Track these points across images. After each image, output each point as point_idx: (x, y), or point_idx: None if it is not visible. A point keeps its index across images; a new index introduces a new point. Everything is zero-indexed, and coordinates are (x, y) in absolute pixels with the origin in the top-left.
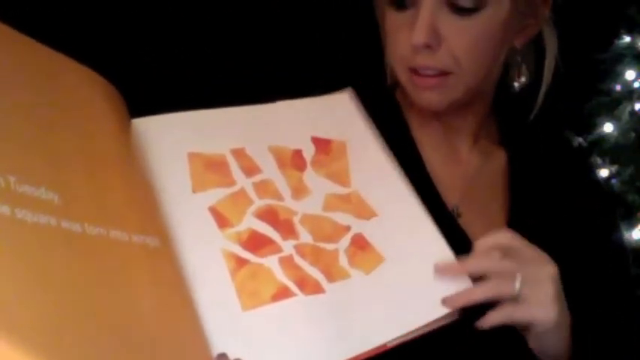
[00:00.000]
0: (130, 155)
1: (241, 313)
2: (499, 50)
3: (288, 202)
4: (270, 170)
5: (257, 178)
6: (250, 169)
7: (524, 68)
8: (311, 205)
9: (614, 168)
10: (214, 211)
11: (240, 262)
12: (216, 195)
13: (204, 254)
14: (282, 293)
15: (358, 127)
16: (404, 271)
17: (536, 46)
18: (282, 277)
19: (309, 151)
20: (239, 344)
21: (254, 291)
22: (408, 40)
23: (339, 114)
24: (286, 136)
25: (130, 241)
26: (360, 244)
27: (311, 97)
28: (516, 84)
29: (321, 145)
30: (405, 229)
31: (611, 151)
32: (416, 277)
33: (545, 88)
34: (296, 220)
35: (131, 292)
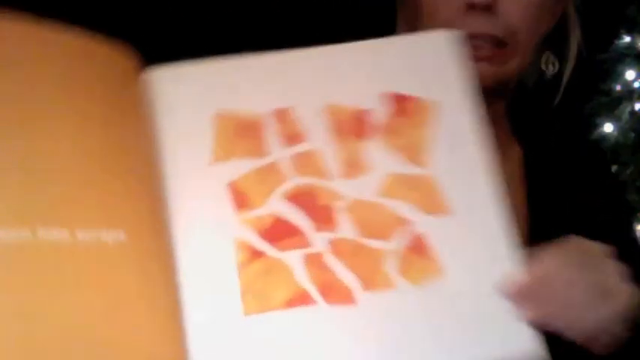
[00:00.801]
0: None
1: (241, 317)
2: (544, 30)
3: (335, 182)
4: (318, 138)
5: (299, 148)
6: (292, 136)
7: (552, 56)
8: (365, 188)
9: (614, 168)
10: (234, 188)
11: (253, 255)
12: (240, 167)
13: (210, 242)
14: (299, 299)
15: (455, 84)
16: (467, 292)
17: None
18: (303, 279)
19: (378, 112)
20: (231, 356)
21: (263, 292)
22: (456, 2)
23: (429, 62)
24: (350, 90)
25: (70, 239)
26: (418, 246)
27: (390, 37)
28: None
29: (398, 103)
30: (479, 239)
31: (611, 151)
32: (482, 302)
33: (567, 78)
34: (340, 206)
35: (70, 297)
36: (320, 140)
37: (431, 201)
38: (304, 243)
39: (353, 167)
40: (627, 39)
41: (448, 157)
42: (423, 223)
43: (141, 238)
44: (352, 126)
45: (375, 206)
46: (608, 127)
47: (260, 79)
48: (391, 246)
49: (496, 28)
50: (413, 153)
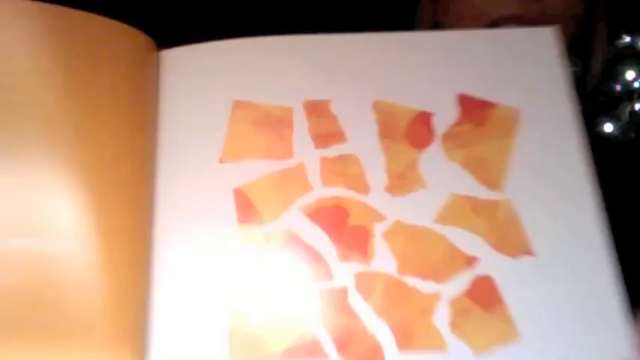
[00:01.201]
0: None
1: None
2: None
3: (375, 198)
4: (362, 140)
5: (333, 150)
6: (326, 136)
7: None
8: (416, 209)
9: None
10: (241, 196)
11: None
12: (253, 170)
13: (200, 261)
14: (304, 349)
15: (551, 91)
16: None
17: None
18: (316, 323)
19: (446, 116)
20: None
21: (255, 340)
22: None
23: (520, 63)
24: (412, 87)
25: None
26: (483, 295)
27: (471, 29)
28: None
29: (474, 108)
30: (571, 292)
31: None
32: None
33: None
34: (378, 229)
35: None
36: (363, 143)
37: (505, 235)
38: (324, 274)
39: (403, 181)
40: (627, 39)
41: (533, 180)
42: (495, 264)
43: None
44: (409, 130)
45: (428, 234)
46: (608, 127)
47: (292, 64)
48: (446, 291)
49: (535, 12)
50: (486, 171)
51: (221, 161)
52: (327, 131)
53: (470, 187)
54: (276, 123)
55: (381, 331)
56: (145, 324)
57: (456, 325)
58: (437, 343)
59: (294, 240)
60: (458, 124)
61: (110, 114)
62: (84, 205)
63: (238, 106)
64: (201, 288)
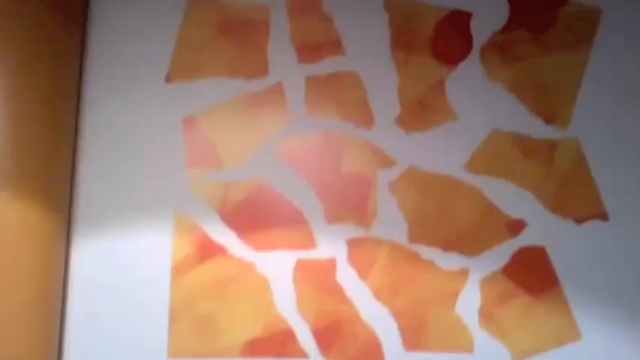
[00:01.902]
0: None
1: None
2: None
3: (382, 134)
4: (366, 51)
5: (326, 65)
6: (317, 44)
7: None
8: (440, 150)
9: None
10: (192, 129)
11: (207, 251)
12: (212, 92)
13: (129, 218)
14: (273, 343)
15: None
16: None
17: None
18: (289, 310)
19: (491, 17)
20: None
21: (204, 327)
22: None
23: None
24: None
25: None
26: (533, 273)
27: None
28: None
29: (532, 7)
30: None
31: None
32: None
33: None
34: (384, 179)
35: None
36: (368, 56)
37: (567, 190)
38: (303, 240)
39: (423, 111)
40: None
41: (613, 112)
42: (548, 230)
43: None
44: (435, 37)
45: (455, 187)
46: None
47: None
48: (477, 267)
49: None
50: (546, 98)
51: (168, 80)
52: (317, 38)
53: (520, 119)
54: (246, 27)
55: (381, 322)
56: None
57: (488, 317)
58: (460, 341)
59: (264, 191)
60: (508, 29)
61: None
62: None
63: (196, 2)
64: (135, 255)
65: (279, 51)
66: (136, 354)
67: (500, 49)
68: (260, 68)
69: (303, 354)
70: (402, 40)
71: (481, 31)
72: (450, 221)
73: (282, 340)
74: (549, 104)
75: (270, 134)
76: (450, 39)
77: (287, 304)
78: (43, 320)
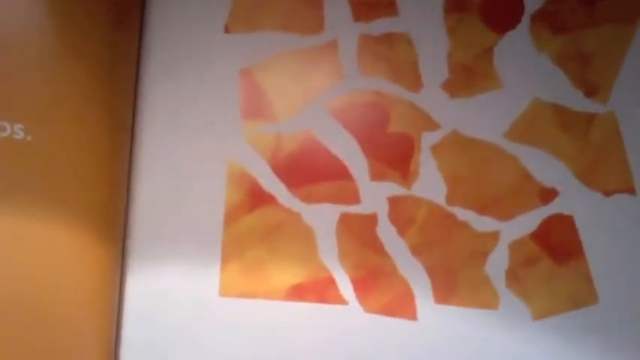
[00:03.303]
0: None
1: (215, 298)
2: None
3: (429, 97)
4: (419, 13)
5: (379, 25)
6: (372, 3)
7: None
8: (482, 117)
9: None
10: (248, 80)
11: (258, 199)
12: (268, 44)
13: (188, 163)
14: (315, 289)
15: None
16: None
17: None
18: (332, 260)
19: None
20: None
21: (254, 271)
22: None
23: None
24: None
25: None
26: (560, 239)
27: None
28: None
29: None
30: None
31: None
32: None
33: None
34: (428, 141)
35: None
36: (421, 18)
37: (600, 162)
38: (348, 194)
39: (470, 76)
40: None
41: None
42: (578, 200)
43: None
44: (487, 3)
45: (494, 153)
46: None
47: None
48: (508, 231)
49: None
50: (590, 71)
51: (227, 30)
52: None
53: (562, 91)
54: None
55: (415, 276)
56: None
57: (514, 278)
58: (487, 298)
59: (313, 145)
60: None
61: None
62: None
63: None
64: (191, 198)
65: (335, 7)
66: (189, 295)
67: (550, 18)
68: (316, 24)
69: (343, 300)
70: (455, 4)
71: None
72: (486, 186)
73: (323, 286)
74: (591, 77)
75: (322, 90)
76: (502, 6)
77: (329, 254)
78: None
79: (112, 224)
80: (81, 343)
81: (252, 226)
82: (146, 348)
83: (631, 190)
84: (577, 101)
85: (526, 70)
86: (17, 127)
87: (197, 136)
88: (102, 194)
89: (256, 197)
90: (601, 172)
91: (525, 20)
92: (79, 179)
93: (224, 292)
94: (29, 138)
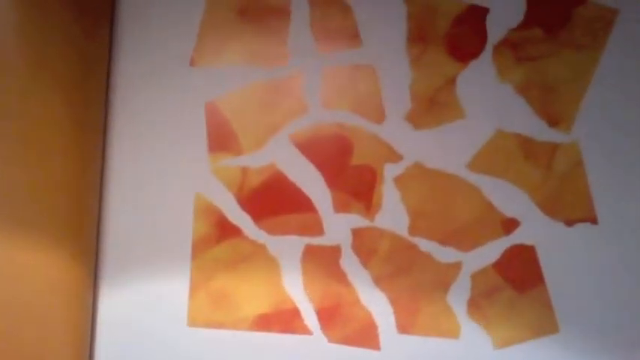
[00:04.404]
0: None
1: (182, 329)
2: None
3: (392, 129)
4: (383, 44)
5: (344, 56)
6: (336, 35)
7: None
8: (445, 148)
9: None
10: (214, 113)
11: (224, 231)
12: (233, 77)
13: (154, 196)
14: (280, 320)
15: None
16: None
17: None
18: (296, 291)
19: (507, 14)
20: None
21: (221, 301)
22: None
23: None
24: None
25: None
26: (521, 269)
27: None
28: None
29: (550, 6)
30: None
31: None
32: None
33: None
34: (390, 173)
35: None
36: (384, 50)
37: (562, 193)
38: (312, 226)
39: (433, 107)
40: None
41: (619, 118)
42: (539, 230)
43: None
44: (451, 33)
45: (457, 184)
46: None
47: None
48: (470, 261)
49: None
50: (553, 100)
51: (192, 63)
52: (335, 28)
53: (525, 121)
54: (267, 13)
55: (378, 306)
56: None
57: (476, 307)
58: (448, 327)
59: (278, 178)
60: (522, 27)
61: None
62: None
63: None
64: (159, 231)
65: (299, 40)
66: (159, 323)
67: (512, 47)
68: (280, 57)
69: (307, 331)
70: (419, 34)
71: (496, 28)
72: (449, 217)
73: (289, 317)
74: (555, 107)
75: (286, 123)
76: (466, 35)
77: (294, 285)
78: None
79: (83, 251)
80: None
81: (219, 257)
82: None
83: (593, 220)
84: (540, 131)
85: (489, 99)
86: None
87: (164, 168)
88: (72, 222)
89: (223, 229)
90: (564, 201)
91: (488, 49)
92: (48, 203)
93: (192, 322)
94: None
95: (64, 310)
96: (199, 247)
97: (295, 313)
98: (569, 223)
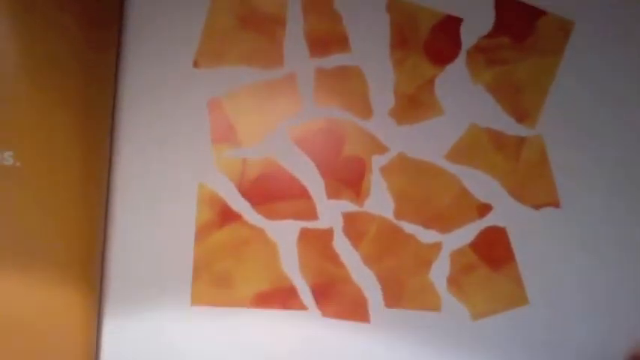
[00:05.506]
0: None
1: (187, 308)
2: None
3: (378, 124)
4: (369, 49)
5: (333, 60)
6: (326, 40)
7: None
8: (425, 141)
9: None
10: (216, 109)
11: (225, 217)
12: (233, 78)
13: (160, 187)
14: (278, 297)
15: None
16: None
17: None
18: (293, 270)
19: (479, 24)
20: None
21: (221, 281)
22: None
23: None
24: None
25: None
26: (494, 249)
27: None
28: None
29: (516, 16)
30: (601, 254)
31: None
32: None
33: None
34: (377, 163)
35: None
36: (370, 54)
37: (529, 180)
38: (307, 211)
39: (414, 105)
40: None
41: (577, 115)
42: (509, 214)
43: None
44: (430, 39)
45: (436, 173)
46: None
47: None
48: (448, 242)
49: None
50: (520, 99)
51: (196, 65)
52: (327, 34)
53: (495, 117)
54: (265, 20)
55: (368, 283)
56: (103, 254)
57: (455, 283)
58: (431, 301)
59: (275, 168)
60: (492, 35)
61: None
62: None
63: None
64: (164, 219)
65: (294, 44)
66: (163, 304)
67: (484, 53)
68: (276, 60)
69: (303, 306)
70: (401, 41)
71: (469, 35)
72: (429, 202)
73: (286, 294)
74: (521, 105)
75: (282, 119)
76: (442, 42)
77: (291, 265)
78: None
79: (89, 267)
80: None
81: (220, 241)
82: None
83: (557, 204)
84: (509, 126)
85: (464, 98)
86: None
87: (171, 162)
88: (78, 238)
89: (225, 215)
90: (530, 188)
91: (463, 54)
92: (53, 223)
93: (196, 301)
94: None
95: (70, 333)
96: (202, 234)
97: (292, 290)
98: (536, 207)
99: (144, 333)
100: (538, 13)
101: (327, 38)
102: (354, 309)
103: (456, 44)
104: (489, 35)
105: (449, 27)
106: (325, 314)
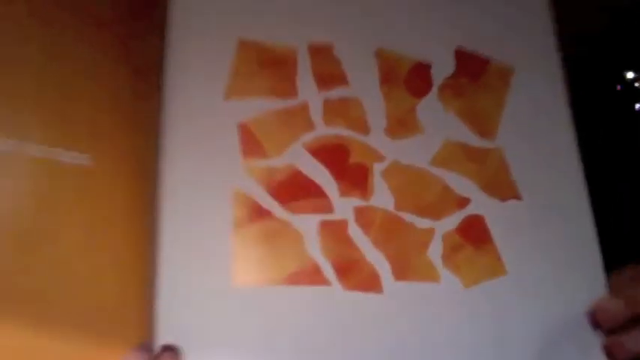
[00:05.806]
0: None
1: (229, 288)
2: None
3: (375, 139)
4: (363, 85)
5: (336, 92)
6: (330, 78)
7: None
8: (413, 151)
9: None
10: (245, 131)
11: (257, 214)
12: (257, 106)
13: (203, 191)
14: (306, 275)
15: (543, 50)
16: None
17: None
18: (315, 252)
19: (444, 68)
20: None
21: (261, 261)
22: None
23: (515, 22)
24: (413, 38)
25: None
26: (475, 232)
27: None
28: None
29: (470, 63)
30: (553, 234)
31: None
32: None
33: None
34: (378, 169)
35: None
36: (365, 88)
37: (495, 180)
38: (324, 206)
39: (401, 126)
40: None
41: (522, 132)
42: (483, 205)
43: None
44: (408, 78)
45: (424, 175)
46: None
47: (297, 5)
48: (439, 227)
49: None
50: (480, 122)
51: (226, 98)
52: (330, 72)
53: (464, 134)
54: (280, 63)
55: (378, 261)
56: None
57: (448, 259)
58: (431, 274)
59: (296, 174)
60: (454, 76)
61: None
62: None
63: (243, 45)
64: (205, 216)
65: (304, 80)
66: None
67: (450, 89)
68: (291, 92)
69: (327, 282)
70: (386, 78)
71: (437, 76)
72: (421, 197)
73: (312, 273)
74: (482, 125)
75: (299, 136)
76: (418, 80)
77: (315, 250)
78: None
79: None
80: None
81: (254, 233)
82: None
83: (518, 197)
84: (475, 140)
85: (439, 121)
86: None
87: (207, 174)
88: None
89: (256, 213)
90: (497, 186)
91: (435, 90)
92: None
93: (237, 283)
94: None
95: None
96: (238, 227)
97: (317, 269)
98: (503, 200)
99: None
100: (485, 61)
101: (329, 76)
102: (369, 282)
103: (428, 82)
104: (452, 77)
105: (421, 70)
106: (345, 288)
